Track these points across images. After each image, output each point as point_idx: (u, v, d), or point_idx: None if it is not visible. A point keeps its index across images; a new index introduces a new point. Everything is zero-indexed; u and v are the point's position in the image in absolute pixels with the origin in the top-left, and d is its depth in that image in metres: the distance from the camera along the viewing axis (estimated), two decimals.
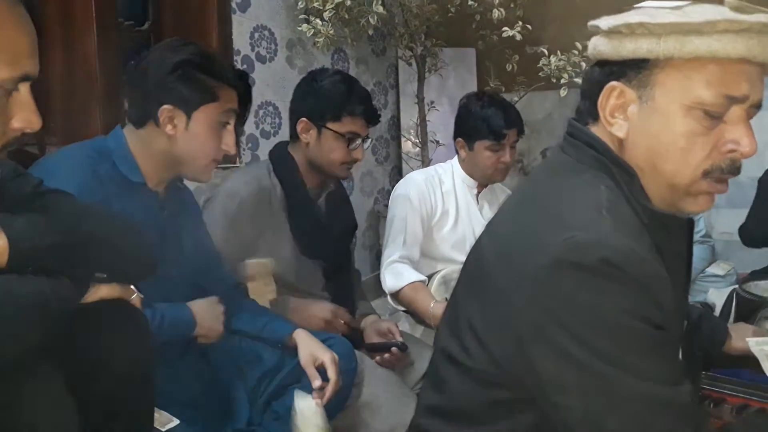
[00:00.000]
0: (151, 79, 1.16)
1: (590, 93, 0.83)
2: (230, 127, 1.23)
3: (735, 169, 0.78)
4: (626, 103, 0.79)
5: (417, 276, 1.79)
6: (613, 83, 0.79)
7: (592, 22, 0.83)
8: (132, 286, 0.95)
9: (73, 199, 0.91)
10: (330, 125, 1.57)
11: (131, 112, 1.20)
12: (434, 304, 1.70)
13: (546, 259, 0.72)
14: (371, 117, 1.62)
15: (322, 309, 1.56)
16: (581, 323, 0.70)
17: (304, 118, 1.61)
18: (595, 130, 0.84)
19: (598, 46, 0.81)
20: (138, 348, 0.88)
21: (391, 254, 1.85)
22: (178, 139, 1.18)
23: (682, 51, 0.74)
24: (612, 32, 0.79)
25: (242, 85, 1.24)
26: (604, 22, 0.80)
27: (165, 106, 1.15)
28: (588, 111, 0.84)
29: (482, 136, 1.86)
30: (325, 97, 1.58)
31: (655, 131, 0.78)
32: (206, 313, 1.25)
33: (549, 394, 0.74)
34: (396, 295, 1.82)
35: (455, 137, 1.95)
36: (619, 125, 0.80)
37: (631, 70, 0.78)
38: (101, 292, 0.88)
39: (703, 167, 0.77)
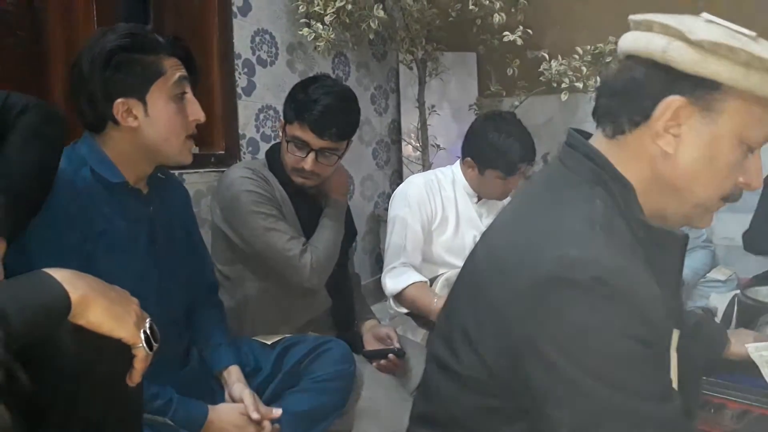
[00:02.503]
0: (91, 82, 1.09)
1: (634, 95, 0.79)
2: (189, 96, 1.16)
3: (738, 198, 0.82)
4: (681, 120, 0.77)
5: (418, 277, 1.79)
6: (678, 97, 0.76)
7: (662, 21, 0.78)
8: (142, 338, 0.80)
9: None
10: (286, 127, 1.57)
11: (86, 120, 1.14)
12: (437, 300, 1.69)
13: (540, 275, 0.72)
14: (320, 129, 1.50)
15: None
16: (572, 339, 0.71)
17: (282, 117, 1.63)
18: (634, 136, 0.80)
19: (670, 52, 0.75)
20: (124, 357, 0.81)
21: (392, 260, 1.85)
22: (143, 128, 1.12)
23: (762, 89, 0.74)
24: (696, 44, 0.74)
25: (180, 49, 1.16)
26: (699, 30, 0.75)
27: (117, 101, 1.09)
28: (628, 113, 0.80)
29: (496, 166, 1.83)
30: (290, 99, 1.58)
31: (708, 156, 0.78)
32: (224, 424, 1.19)
33: (540, 405, 0.74)
34: (398, 297, 1.81)
35: (464, 155, 1.92)
36: (669, 140, 0.78)
37: (701, 89, 0.76)
38: (90, 315, 0.74)
39: (725, 193, 0.81)
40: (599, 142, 0.84)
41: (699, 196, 0.80)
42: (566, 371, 0.71)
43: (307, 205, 1.63)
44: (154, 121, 1.12)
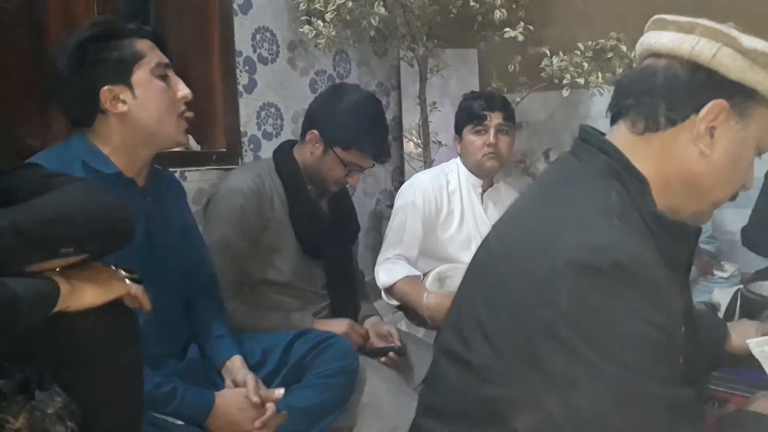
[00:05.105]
0: (72, 79, 1.10)
1: (676, 94, 0.81)
2: (172, 75, 1.17)
3: (736, 197, 0.87)
4: (719, 123, 0.80)
5: (410, 271, 1.80)
6: (723, 102, 0.79)
7: (707, 24, 0.80)
8: (127, 280, 0.87)
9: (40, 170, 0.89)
10: (337, 150, 1.58)
11: (74, 118, 1.14)
12: (428, 294, 1.70)
13: (559, 261, 0.73)
14: (380, 156, 1.62)
15: (339, 325, 1.57)
16: (592, 324, 0.71)
17: (315, 131, 1.60)
18: (668, 134, 0.82)
19: (720, 57, 0.78)
20: (126, 351, 0.84)
21: (387, 250, 1.88)
22: (134, 111, 1.12)
23: None
24: (744, 52, 0.77)
25: (150, 32, 1.17)
26: (746, 39, 0.78)
27: (103, 89, 1.09)
28: (666, 111, 0.81)
29: (466, 122, 1.93)
30: (341, 124, 1.57)
31: (734, 159, 0.81)
32: (230, 408, 1.18)
33: (557, 392, 0.75)
34: (389, 290, 1.81)
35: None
36: (707, 142, 0.80)
37: (741, 95, 0.79)
38: (85, 299, 0.79)
39: (734, 193, 0.85)
40: (619, 136, 0.86)
41: (719, 195, 0.84)
42: (586, 355, 0.71)
43: (307, 210, 1.64)
44: (144, 101, 1.13)
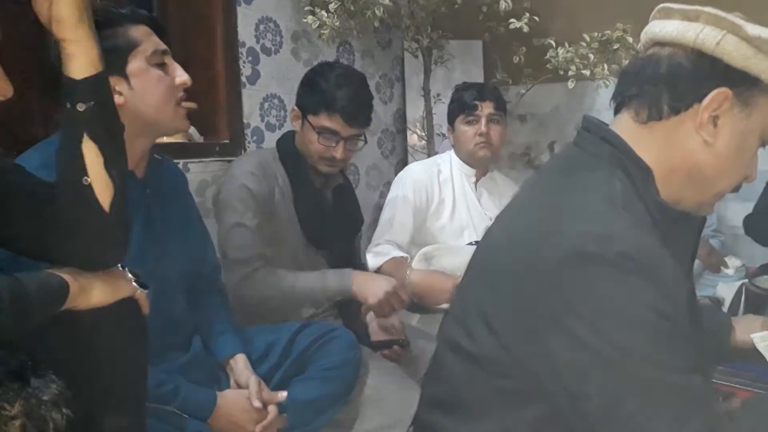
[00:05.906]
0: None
1: (680, 83, 0.80)
2: (169, 61, 1.13)
3: (739, 189, 0.87)
4: (722, 111, 0.79)
5: (397, 253, 1.83)
6: (727, 90, 0.78)
7: (712, 12, 0.79)
8: (134, 282, 0.88)
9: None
10: (309, 117, 1.57)
11: None
12: (410, 271, 1.74)
13: (564, 250, 0.73)
14: (350, 118, 1.54)
15: (379, 284, 1.51)
16: (598, 313, 0.71)
17: (295, 106, 1.63)
18: (671, 122, 0.81)
19: (724, 44, 0.77)
20: (132, 347, 0.86)
21: (377, 237, 1.92)
22: (131, 102, 1.09)
23: None
24: (749, 40, 0.77)
25: (145, 16, 1.13)
26: (750, 27, 0.77)
27: None
28: (670, 100, 0.81)
29: (458, 113, 1.98)
30: (311, 90, 1.58)
31: (738, 148, 0.81)
32: (232, 410, 1.18)
33: (565, 382, 0.74)
34: (378, 272, 1.83)
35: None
36: (710, 130, 0.80)
37: (745, 84, 0.78)
38: (94, 298, 0.81)
39: (737, 184, 0.85)
40: (623, 126, 0.85)
41: (722, 186, 0.83)
42: (593, 345, 0.71)
43: (311, 199, 1.64)
44: (140, 92, 1.10)
